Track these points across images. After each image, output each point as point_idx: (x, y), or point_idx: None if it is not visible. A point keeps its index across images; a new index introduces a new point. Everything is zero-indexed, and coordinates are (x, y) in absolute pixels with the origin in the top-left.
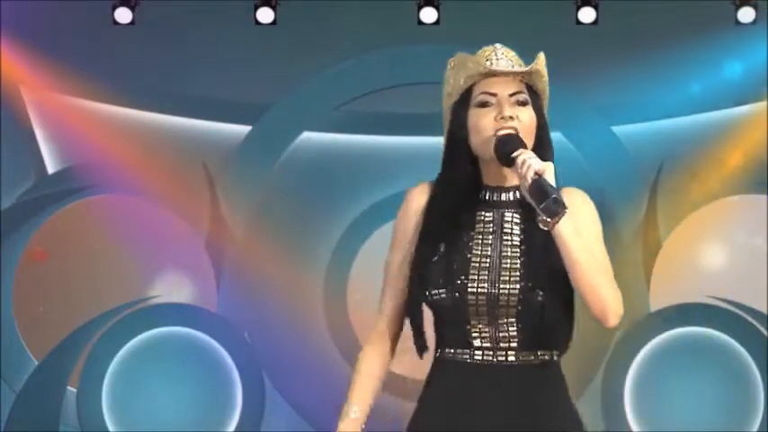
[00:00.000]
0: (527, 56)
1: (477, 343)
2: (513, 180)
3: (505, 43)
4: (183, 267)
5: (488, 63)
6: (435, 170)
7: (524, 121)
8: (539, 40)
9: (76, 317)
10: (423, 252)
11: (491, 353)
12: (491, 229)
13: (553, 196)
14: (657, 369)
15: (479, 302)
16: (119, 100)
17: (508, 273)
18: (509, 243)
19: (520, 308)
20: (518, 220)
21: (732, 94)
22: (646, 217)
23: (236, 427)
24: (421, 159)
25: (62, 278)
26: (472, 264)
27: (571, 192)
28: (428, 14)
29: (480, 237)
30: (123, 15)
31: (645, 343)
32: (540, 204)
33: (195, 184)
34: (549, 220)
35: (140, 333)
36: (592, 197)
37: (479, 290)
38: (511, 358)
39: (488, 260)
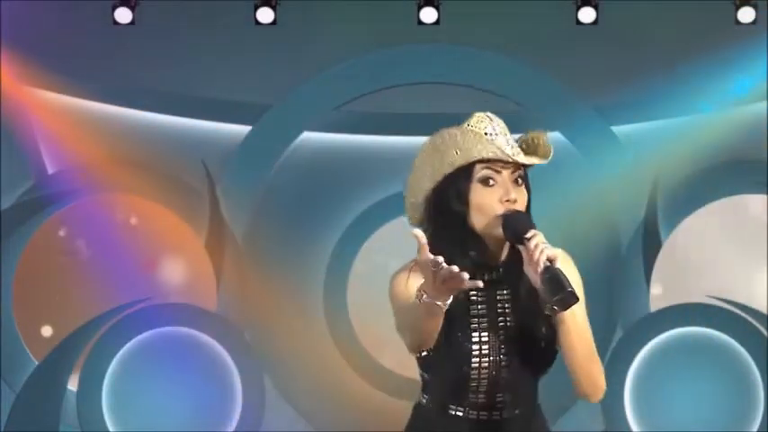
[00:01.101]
0: (527, 56)
1: (473, 405)
2: (502, 257)
3: (505, 43)
4: (183, 267)
5: (491, 139)
6: None
7: (521, 201)
8: (539, 40)
9: (77, 317)
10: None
11: (485, 413)
12: (484, 311)
13: (569, 290)
14: (657, 369)
15: (481, 375)
16: (119, 100)
17: (507, 349)
18: (503, 322)
19: (512, 379)
20: (507, 297)
21: (732, 94)
22: (646, 217)
23: (236, 427)
24: None
25: (62, 278)
26: (482, 340)
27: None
28: (428, 14)
29: (485, 319)
30: (123, 15)
31: (645, 343)
32: (555, 296)
33: (195, 184)
34: (558, 309)
35: (140, 333)
36: (592, 197)
37: (482, 366)
38: (504, 416)
39: (487, 336)
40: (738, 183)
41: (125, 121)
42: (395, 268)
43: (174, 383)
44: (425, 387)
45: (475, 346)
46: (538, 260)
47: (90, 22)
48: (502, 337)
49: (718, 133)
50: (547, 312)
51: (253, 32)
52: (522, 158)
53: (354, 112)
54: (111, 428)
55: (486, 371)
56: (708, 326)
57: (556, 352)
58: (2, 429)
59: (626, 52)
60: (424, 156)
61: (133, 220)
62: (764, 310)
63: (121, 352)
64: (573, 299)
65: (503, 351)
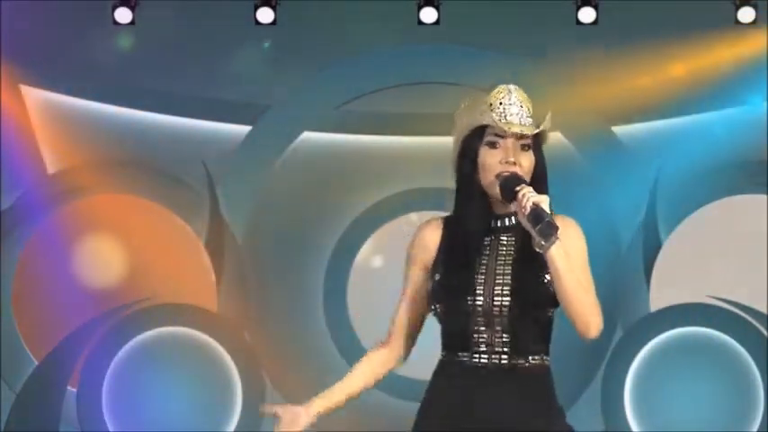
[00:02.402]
0: (527, 56)
1: (476, 348)
2: (508, 210)
3: (505, 43)
4: (183, 267)
5: (501, 107)
6: (435, 170)
7: (525, 165)
8: (539, 40)
9: (76, 317)
10: (448, 271)
11: (486, 356)
12: (487, 252)
13: (546, 220)
14: (657, 369)
15: (477, 313)
16: (119, 100)
17: (501, 288)
18: (502, 262)
19: (508, 318)
20: (513, 242)
21: (732, 94)
22: (646, 217)
23: (236, 427)
24: (421, 159)
25: (62, 278)
26: (477, 281)
27: (562, 219)
28: (428, 14)
29: (485, 258)
30: (123, 15)
31: (645, 343)
32: (536, 227)
33: (195, 184)
34: (543, 243)
35: (140, 333)
36: (592, 197)
37: (477, 302)
38: (503, 361)
39: (483, 277)
40: (738, 183)
41: (125, 121)
42: (395, 268)
43: (173, 383)
44: (442, 341)
45: (479, 287)
46: (524, 205)
47: (90, 22)
48: (500, 278)
49: (718, 133)
50: (537, 250)
51: (253, 32)
52: (517, 128)
53: (354, 112)
54: (111, 428)
55: (487, 306)
56: (708, 326)
57: (553, 295)
58: (2, 429)
59: (626, 52)
60: (457, 116)
61: (133, 220)
62: (764, 310)
63: (121, 352)
64: (551, 229)
65: (503, 290)
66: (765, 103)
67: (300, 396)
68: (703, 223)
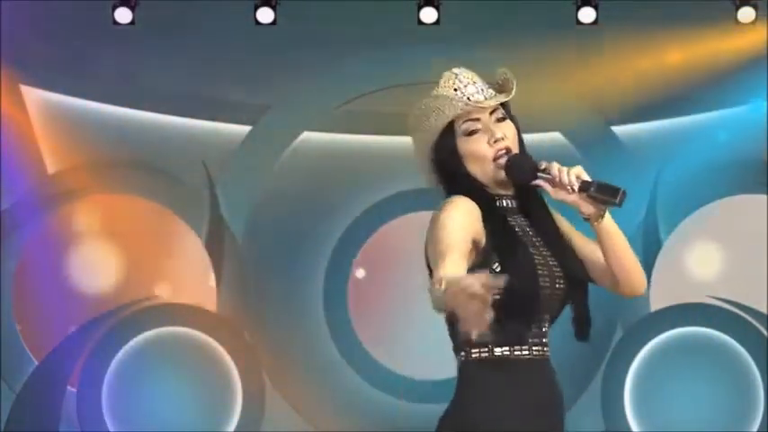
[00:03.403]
0: (527, 55)
1: (530, 339)
2: (508, 190)
3: (505, 43)
4: (183, 267)
5: (458, 93)
6: None
7: (509, 135)
8: (539, 40)
9: (76, 317)
10: (520, 253)
11: (538, 348)
12: (520, 233)
13: (623, 189)
14: (657, 369)
15: (545, 298)
16: (119, 100)
17: (553, 272)
18: (539, 245)
19: (560, 305)
20: (525, 224)
21: (732, 94)
22: (646, 217)
23: (236, 427)
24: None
25: (62, 278)
26: (538, 264)
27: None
28: (428, 14)
29: (529, 239)
30: (123, 15)
31: (645, 343)
32: (615, 198)
33: (195, 184)
34: (604, 214)
35: (140, 333)
36: None
37: (543, 285)
38: (547, 353)
39: (542, 259)
40: (738, 183)
41: (125, 121)
42: (395, 268)
43: (173, 383)
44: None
45: (540, 267)
46: (570, 181)
47: (90, 22)
48: (550, 264)
49: (718, 133)
50: (594, 222)
51: (253, 32)
52: (492, 102)
53: (354, 112)
54: (111, 428)
55: (549, 288)
56: (708, 326)
57: (586, 271)
58: (2, 429)
59: (625, 52)
60: (413, 131)
61: (133, 221)
62: (764, 310)
63: (121, 352)
64: (621, 191)
65: (555, 268)
66: (765, 103)
67: (300, 396)
68: (703, 223)
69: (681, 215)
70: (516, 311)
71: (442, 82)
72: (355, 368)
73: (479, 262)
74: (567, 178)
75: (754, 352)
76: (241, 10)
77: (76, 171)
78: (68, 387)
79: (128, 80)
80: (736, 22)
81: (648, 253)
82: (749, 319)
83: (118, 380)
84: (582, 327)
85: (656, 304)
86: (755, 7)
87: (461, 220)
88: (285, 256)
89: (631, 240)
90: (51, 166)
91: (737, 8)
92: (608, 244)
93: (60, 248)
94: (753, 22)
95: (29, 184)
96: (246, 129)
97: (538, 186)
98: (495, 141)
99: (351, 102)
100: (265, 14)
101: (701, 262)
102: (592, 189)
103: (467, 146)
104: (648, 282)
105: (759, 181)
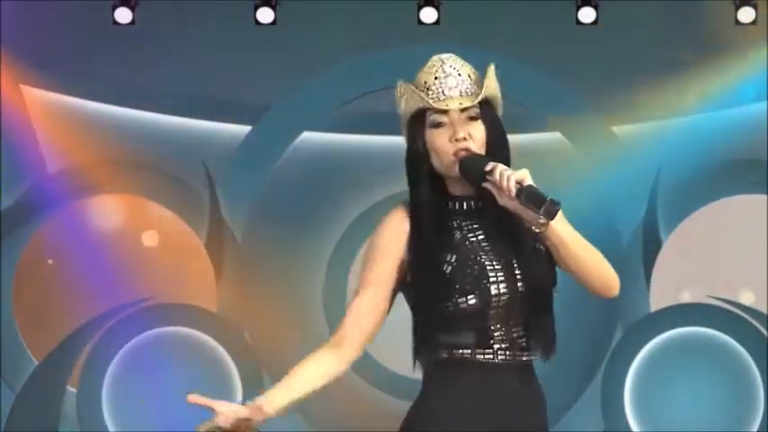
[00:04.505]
0: (527, 56)
1: (497, 345)
2: (470, 190)
3: (505, 43)
4: (183, 267)
5: (437, 83)
6: None
7: (476, 137)
8: (539, 40)
9: (76, 317)
10: (427, 267)
11: (510, 352)
12: (476, 237)
13: (550, 198)
14: (657, 369)
15: (500, 305)
16: (119, 100)
17: (513, 276)
18: (493, 248)
19: (527, 309)
20: (480, 229)
21: (732, 94)
22: (646, 217)
23: None
24: None
25: (62, 278)
26: (488, 269)
27: None
28: (428, 14)
29: (477, 244)
30: (123, 15)
31: (645, 343)
32: (540, 209)
33: (195, 184)
34: (546, 221)
35: (140, 333)
36: (592, 197)
37: (501, 292)
38: (524, 357)
39: (500, 264)
40: (738, 183)
41: (125, 121)
42: None
43: (173, 383)
44: (443, 341)
45: (491, 273)
46: (508, 187)
47: (90, 22)
48: (507, 260)
49: (718, 133)
50: (536, 231)
51: (253, 32)
52: (455, 102)
53: (354, 112)
54: (111, 428)
55: (506, 289)
56: (708, 326)
57: (554, 267)
58: (2, 429)
59: (626, 52)
60: (397, 106)
61: (133, 221)
62: (764, 310)
63: (121, 352)
64: (555, 205)
65: (516, 274)
66: (765, 103)
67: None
68: (703, 223)
69: (681, 215)
70: (461, 320)
71: (426, 66)
72: (355, 368)
73: (406, 277)
74: (506, 183)
75: (754, 352)
76: (241, 10)
77: (77, 171)
78: (68, 387)
79: (128, 80)
80: (737, 22)
81: (648, 253)
82: (749, 319)
83: (118, 380)
84: (539, 341)
85: (656, 304)
86: (755, 7)
87: (387, 245)
88: (285, 256)
89: (631, 240)
90: (52, 166)
91: (737, 8)
92: (558, 254)
93: (60, 248)
94: (753, 22)
95: (29, 183)
96: (246, 129)
97: (487, 189)
98: (457, 140)
99: (351, 102)
100: (265, 14)
101: (700, 262)
102: (522, 197)
103: (430, 137)
104: (648, 282)
105: (759, 181)
